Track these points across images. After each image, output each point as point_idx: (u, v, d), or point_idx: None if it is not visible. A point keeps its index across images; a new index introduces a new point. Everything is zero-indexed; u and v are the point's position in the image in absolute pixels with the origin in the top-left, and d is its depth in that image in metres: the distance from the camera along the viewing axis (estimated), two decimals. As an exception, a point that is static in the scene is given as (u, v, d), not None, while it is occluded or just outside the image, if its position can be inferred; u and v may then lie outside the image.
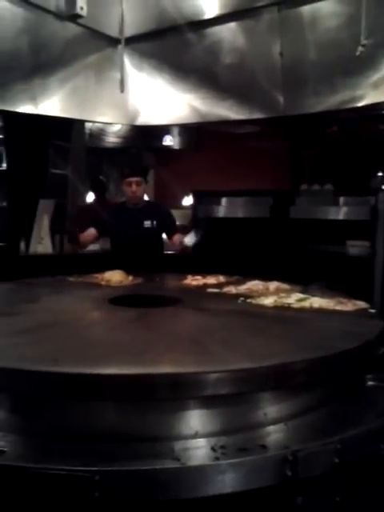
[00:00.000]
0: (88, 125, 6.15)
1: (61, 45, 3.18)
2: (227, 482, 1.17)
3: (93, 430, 1.29)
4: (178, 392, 1.25)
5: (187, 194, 6.69)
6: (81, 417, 1.31)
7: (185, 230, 6.02)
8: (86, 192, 6.42)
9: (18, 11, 2.91)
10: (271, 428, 1.36)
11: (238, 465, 1.19)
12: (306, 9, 2.92)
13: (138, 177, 3.47)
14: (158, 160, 7.82)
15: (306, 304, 2.06)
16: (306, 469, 1.22)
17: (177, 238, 3.60)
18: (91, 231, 3.52)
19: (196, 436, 1.29)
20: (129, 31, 3.42)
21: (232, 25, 3.22)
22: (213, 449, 1.25)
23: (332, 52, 2.84)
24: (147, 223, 3.50)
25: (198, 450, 1.25)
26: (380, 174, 5.39)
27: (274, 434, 1.34)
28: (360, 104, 2.80)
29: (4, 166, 5.27)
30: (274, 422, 1.38)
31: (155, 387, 1.24)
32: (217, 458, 1.21)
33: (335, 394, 1.56)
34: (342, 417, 1.45)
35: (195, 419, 1.31)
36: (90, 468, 1.12)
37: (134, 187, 3.43)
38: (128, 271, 2.84)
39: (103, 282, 2.73)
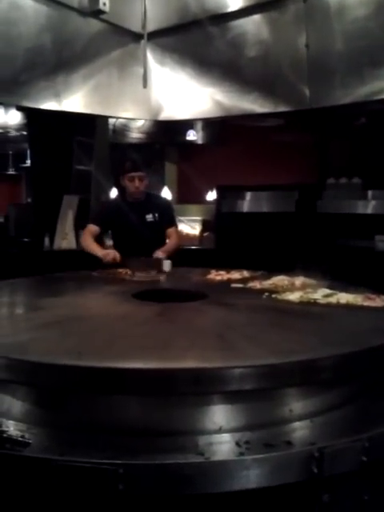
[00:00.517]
0: (111, 121, 6.18)
1: (84, 41, 3.19)
2: (252, 478, 1.15)
3: (117, 423, 1.29)
4: (202, 387, 1.24)
5: (211, 189, 6.66)
6: (105, 410, 1.31)
7: (208, 225, 6.03)
8: (110, 188, 6.46)
9: (41, 8, 2.93)
10: (297, 424, 1.34)
11: (262, 460, 1.17)
12: (332, -2, 2.85)
13: (140, 171, 3.32)
14: (181, 155, 7.83)
15: (333, 300, 2.02)
16: (333, 466, 1.20)
17: (172, 231, 3.46)
18: (90, 229, 3.41)
19: (220, 431, 1.28)
20: (151, 26, 3.41)
21: (256, 17, 3.17)
22: (237, 444, 1.24)
23: (360, 42, 2.77)
24: (149, 217, 3.38)
25: (223, 445, 1.24)
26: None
27: (300, 431, 1.32)
28: (390, 95, 2.73)
29: (28, 162, 5.34)
30: (300, 418, 1.35)
31: (179, 382, 1.23)
32: (241, 454, 1.20)
33: (363, 391, 1.52)
34: (370, 414, 1.42)
35: (219, 414, 1.29)
36: (114, 461, 1.12)
37: (137, 182, 3.29)
38: None
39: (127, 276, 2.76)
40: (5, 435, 1.26)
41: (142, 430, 1.27)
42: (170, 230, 3.45)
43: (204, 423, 1.29)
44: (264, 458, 1.17)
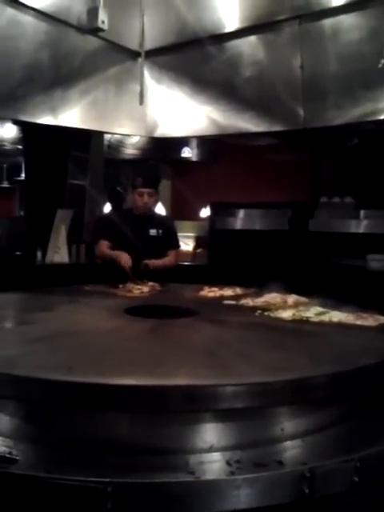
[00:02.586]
0: (107, 136, 6.22)
1: (81, 57, 3.23)
2: (242, 498, 1.14)
3: (106, 440, 1.27)
4: (193, 405, 1.22)
5: (205, 206, 6.69)
6: (94, 427, 1.29)
7: (202, 242, 6.04)
8: (104, 203, 6.46)
9: (41, 25, 2.96)
10: (288, 443, 1.32)
11: (253, 480, 1.15)
12: (327, 22, 2.91)
13: (150, 188, 3.41)
14: (175, 172, 7.87)
15: (326, 318, 2.02)
16: (324, 487, 1.18)
17: (172, 252, 3.52)
18: (103, 244, 3.47)
19: (211, 450, 1.26)
20: (149, 44, 3.47)
21: (252, 38, 3.23)
22: (228, 463, 1.22)
23: (353, 65, 2.83)
24: (153, 232, 3.46)
25: (213, 464, 1.22)
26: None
27: (291, 450, 1.30)
28: (381, 117, 2.77)
29: (22, 176, 5.35)
30: (292, 437, 1.34)
31: (170, 399, 1.22)
32: (232, 473, 1.18)
33: (355, 410, 1.51)
34: (362, 434, 1.41)
35: (210, 433, 1.28)
36: (102, 479, 1.09)
37: (145, 198, 3.38)
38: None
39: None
40: (-9, 451, 1.24)
41: (132, 448, 1.25)
42: (171, 251, 3.52)
43: (195, 441, 1.27)
44: (255, 478, 1.16)
